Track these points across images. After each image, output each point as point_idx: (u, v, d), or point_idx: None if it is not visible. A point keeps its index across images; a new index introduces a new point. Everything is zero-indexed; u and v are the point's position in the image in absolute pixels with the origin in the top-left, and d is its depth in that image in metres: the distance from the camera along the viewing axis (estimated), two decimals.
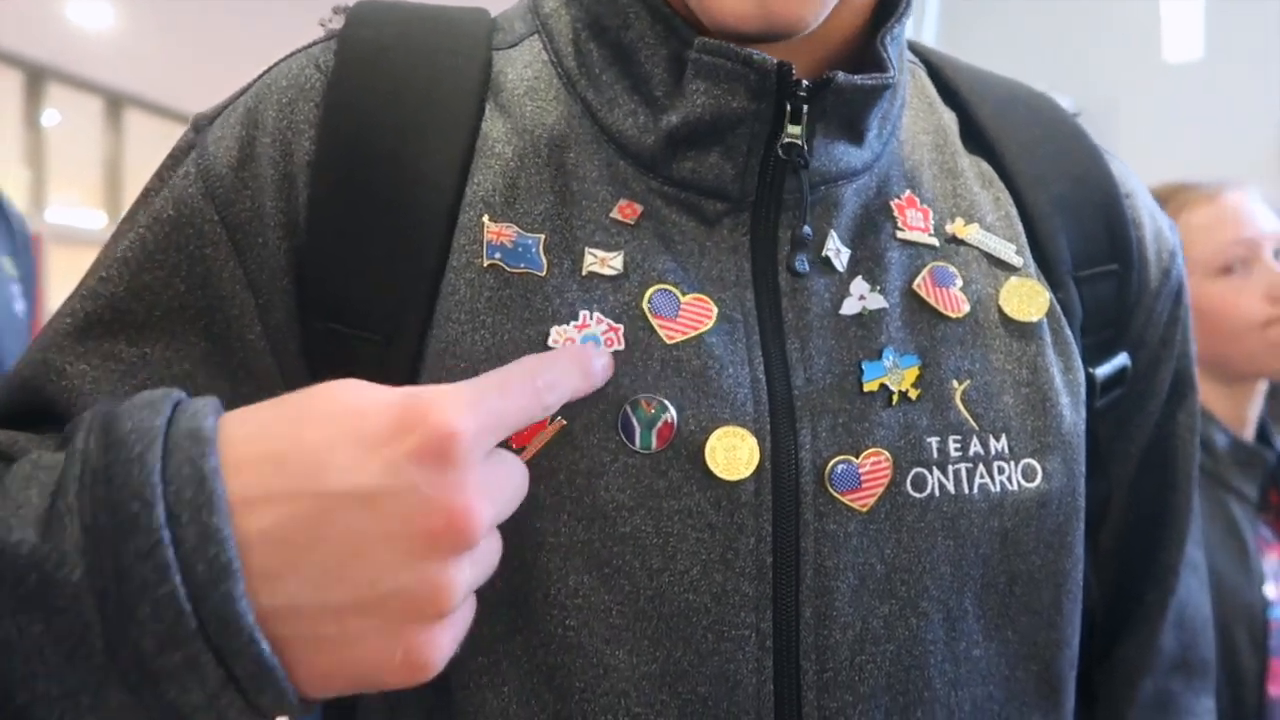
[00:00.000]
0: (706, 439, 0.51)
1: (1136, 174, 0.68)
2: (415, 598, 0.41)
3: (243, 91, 0.59)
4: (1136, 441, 0.69)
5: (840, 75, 0.53)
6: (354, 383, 0.43)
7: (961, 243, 0.59)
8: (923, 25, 3.16)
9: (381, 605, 0.40)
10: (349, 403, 0.42)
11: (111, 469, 0.39)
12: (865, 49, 0.58)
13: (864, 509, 0.53)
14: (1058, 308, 0.60)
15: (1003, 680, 0.57)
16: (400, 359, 0.53)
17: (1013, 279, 0.59)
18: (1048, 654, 0.59)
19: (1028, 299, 0.58)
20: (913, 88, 0.64)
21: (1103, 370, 0.63)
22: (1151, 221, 0.66)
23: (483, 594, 0.49)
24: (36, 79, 5.37)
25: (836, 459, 0.53)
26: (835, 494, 0.53)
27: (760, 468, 0.52)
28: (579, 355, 0.50)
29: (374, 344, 0.53)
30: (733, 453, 0.52)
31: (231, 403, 0.52)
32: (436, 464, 0.40)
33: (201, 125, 0.58)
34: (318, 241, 0.54)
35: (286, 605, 0.39)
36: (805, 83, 0.53)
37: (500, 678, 0.52)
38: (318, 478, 0.40)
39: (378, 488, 0.40)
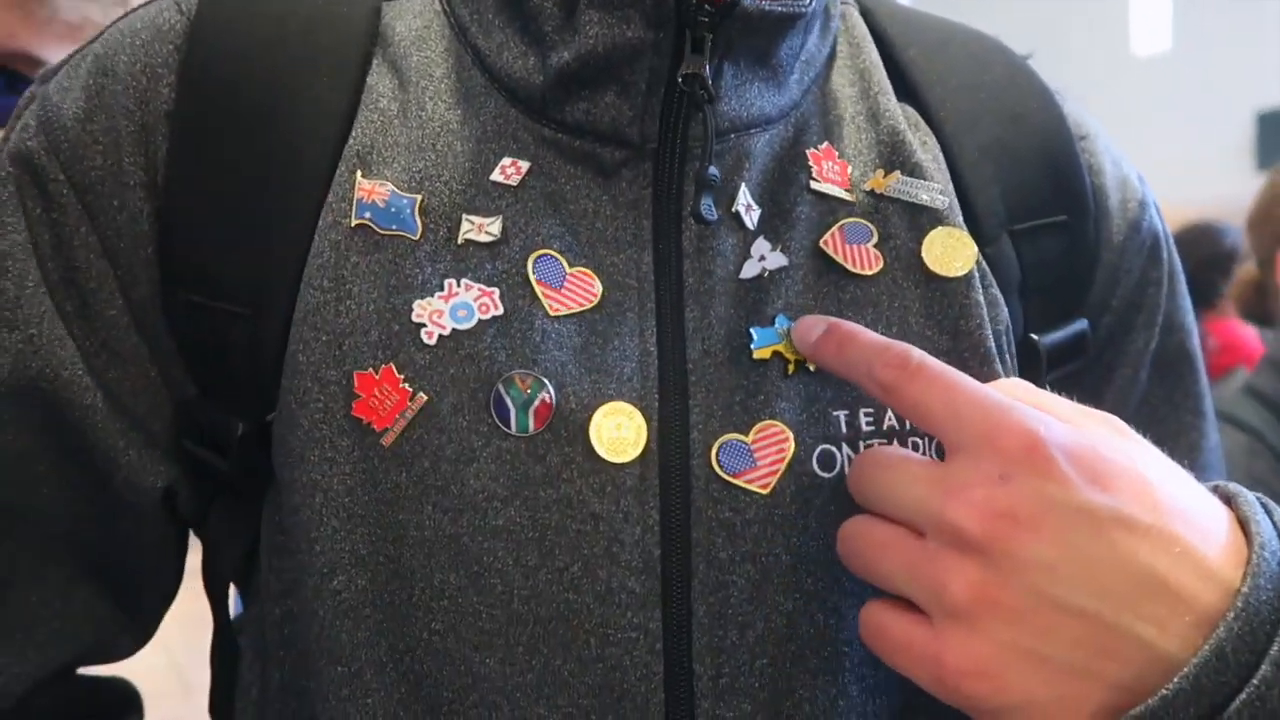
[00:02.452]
0: (590, 416, 0.47)
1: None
2: None
3: (92, 40, 0.52)
4: None
5: (746, 0, 0.47)
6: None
7: (881, 197, 0.53)
8: None
9: None
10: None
11: None
12: None
13: (765, 489, 0.48)
14: (985, 265, 0.53)
15: None
16: (271, 336, 0.48)
17: (937, 229, 0.53)
18: None
19: (952, 250, 0.53)
20: (843, 28, 0.58)
21: (1053, 338, 0.56)
22: (1114, 169, 0.59)
23: (341, 594, 0.47)
24: None
25: (723, 438, 0.48)
26: (728, 477, 0.48)
27: (646, 449, 0.47)
28: None
29: (242, 319, 0.48)
30: (619, 431, 0.47)
31: (96, 392, 0.48)
32: None
33: (47, 77, 0.51)
34: (177, 201, 0.48)
35: None
36: (708, 7, 0.47)
37: (363, 688, 0.48)
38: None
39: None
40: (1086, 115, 0.60)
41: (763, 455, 0.48)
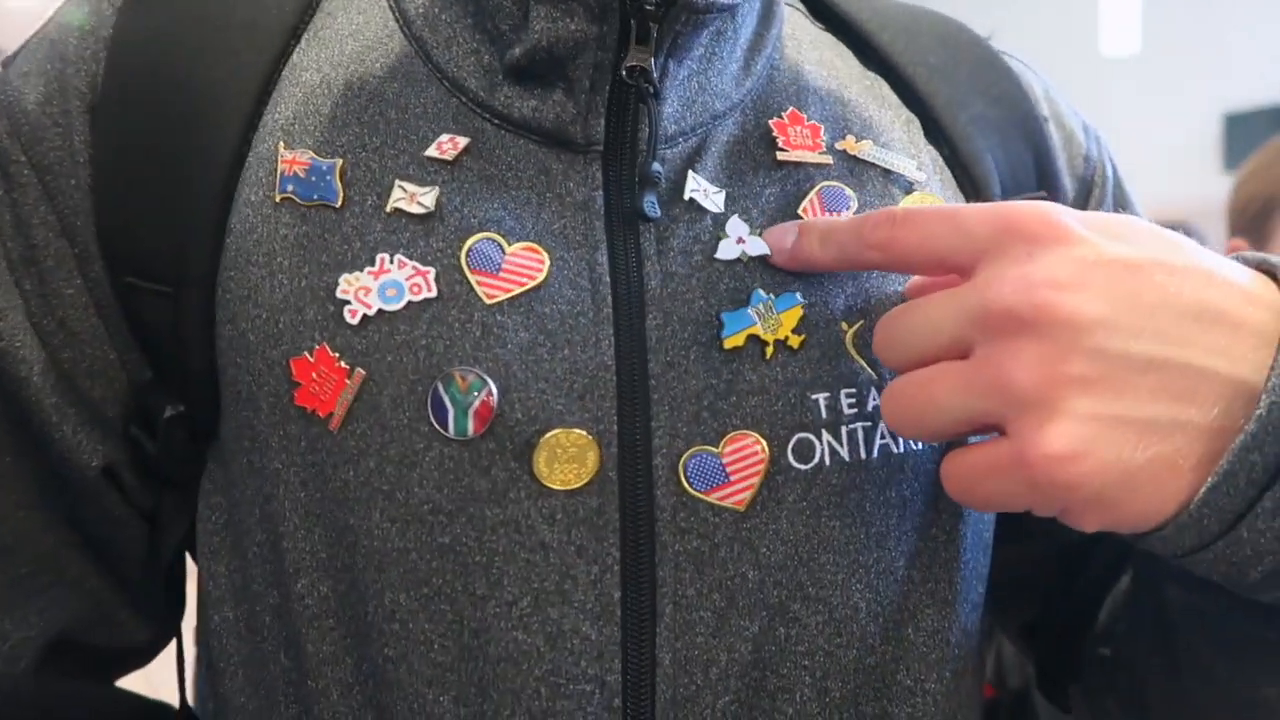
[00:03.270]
0: (537, 438, 0.44)
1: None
2: None
3: (46, 24, 0.53)
4: None
5: None
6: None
7: (856, 159, 0.51)
8: None
9: None
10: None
11: None
12: None
13: (740, 506, 0.45)
14: None
15: (904, 693, 0.48)
16: (194, 313, 0.47)
17: (910, 195, 0.51)
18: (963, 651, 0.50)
19: None
20: (791, 25, 0.57)
21: None
22: (1065, 147, 0.59)
23: (305, 599, 0.45)
24: None
25: (690, 451, 0.45)
26: (698, 494, 0.44)
27: (601, 476, 0.44)
28: None
29: (165, 298, 0.47)
30: (567, 457, 0.44)
31: (33, 366, 0.47)
32: None
33: (8, 63, 0.52)
34: (103, 180, 0.48)
35: None
36: None
37: (330, 710, 0.45)
38: None
39: None
40: (1042, 95, 0.60)
41: (736, 469, 0.44)
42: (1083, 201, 0.58)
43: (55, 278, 0.48)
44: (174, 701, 0.57)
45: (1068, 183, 0.57)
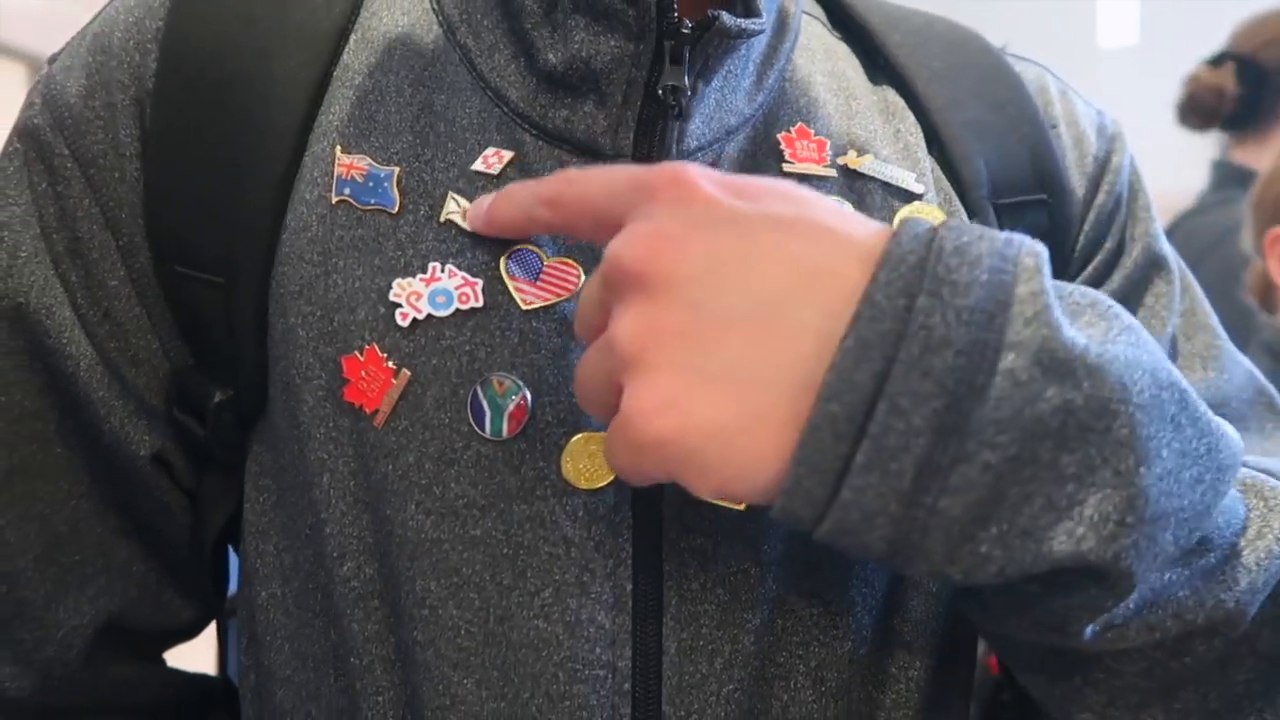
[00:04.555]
0: (566, 440, 0.46)
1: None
2: None
3: (92, 20, 0.54)
4: None
5: (726, 16, 0.47)
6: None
7: (858, 174, 0.52)
8: None
9: None
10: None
11: None
12: None
13: (741, 505, 0.46)
14: None
15: (889, 680, 0.50)
16: (246, 304, 0.49)
17: (909, 205, 0.53)
18: (955, 641, 0.51)
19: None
20: (807, 35, 0.58)
21: None
22: (1075, 148, 0.59)
23: (351, 582, 0.47)
24: None
25: None
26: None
27: (619, 479, 0.45)
28: None
29: (217, 288, 0.49)
30: (593, 458, 0.46)
31: (79, 361, 0.49)
32: None
33: (54, 59, 0.53)
34: (157, 172, 0.49)
35: None
36: (689, 22, 0.46)
37: (374, 685, 0.47)
38: None
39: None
40: (1054, 98, 0.60)
41: None
42: (1091, 197, 0.58)
43: (100, 269, 0.49)
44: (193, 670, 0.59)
45: (1076, 182, 0.58)
